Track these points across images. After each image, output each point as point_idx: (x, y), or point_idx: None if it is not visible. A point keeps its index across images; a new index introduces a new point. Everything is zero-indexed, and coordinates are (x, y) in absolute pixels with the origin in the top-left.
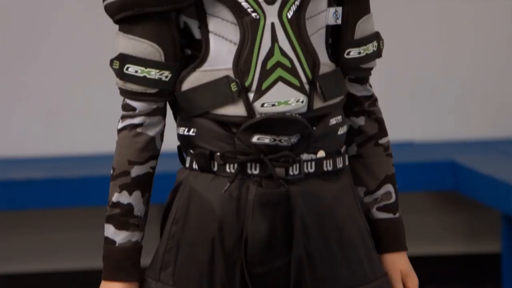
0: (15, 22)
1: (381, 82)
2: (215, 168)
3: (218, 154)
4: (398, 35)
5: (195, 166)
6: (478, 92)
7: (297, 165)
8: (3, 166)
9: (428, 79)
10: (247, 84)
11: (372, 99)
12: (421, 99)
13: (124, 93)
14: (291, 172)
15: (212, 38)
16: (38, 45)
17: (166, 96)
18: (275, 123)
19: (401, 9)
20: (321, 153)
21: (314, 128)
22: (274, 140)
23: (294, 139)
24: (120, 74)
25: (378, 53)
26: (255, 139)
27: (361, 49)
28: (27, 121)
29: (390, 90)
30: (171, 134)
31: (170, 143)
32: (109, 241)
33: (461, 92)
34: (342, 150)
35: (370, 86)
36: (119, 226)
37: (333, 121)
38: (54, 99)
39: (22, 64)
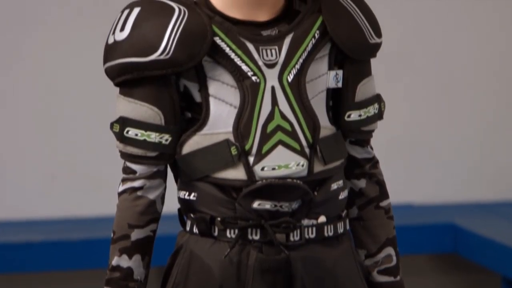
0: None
1: (379, 143)
2: (216, 233)
3: (219, 219)
4: (397, 98)
5: (195, 230)
6: (477, 155)
7: (298, 230)
8: (1, 228)
9: (426, 141)
10: (247, 147)
11: (373, 161)
12: (419, 161)
13: (125, 156)
14: (291, 238)
15: (212, 101)
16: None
17: (167, 159)
18: (276, 189)
19: (399, 73)
20: (322, 219)
21: (315, 193)
22: (275, 206)
23: (295, 205)
24: (120, 137)
25: (379, 115)
26: (255, 204)
27: (362, 111)
28: (25, 183)
29: (389, 152)
30: (172, 196)
31: (170, 205)
32: None
33: (460, 154)
34: (343, 214)
35: (371, 148)
36: None
37: (334, 185)
38: (53, 161)
39: (20, 127)
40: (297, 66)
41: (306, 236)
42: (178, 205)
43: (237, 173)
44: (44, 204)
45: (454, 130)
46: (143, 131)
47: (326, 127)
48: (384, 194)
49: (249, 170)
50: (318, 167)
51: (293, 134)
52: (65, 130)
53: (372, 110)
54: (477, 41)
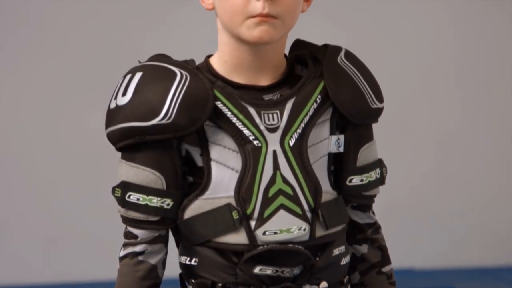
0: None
1: (380, 208)
2: None
3: (220, 284)
4: (398, 161)
5: None
6: (478, 220)
7: None
8: None
9: (427, 206)
10: (248, 212)
11: (375, 227)
12: (420, 225)
13: (126, 220)
14: None
15: (214, 166)
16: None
17: (168, 224)
18: (277, 255)
19: (398, 137)
20: (323, 284)
21: (317, 258)
22: (276, 271)
23: (296, 270)
24: (122, 202)
25: (381, 180)
26: (257, 270)
27: (364, 176)
28: (25, 248)
29: (389, 216)
30: (173, 261)
31: (172, 268)
32: None
33: (460, 219)
34: (345, 280)
35: (373, 213)
36: None
37: (336, 251)
38: (52, 225)
39: (20, 188)
40: (299, 131)
41: None
42: (179, 270)
43: (238, 238)
44: (44, 268)
45: (454, 195)
46: (144, 196)
47: (327, 192)
48: (386, 260)
49: (250, 234)
50: (319, 232)
51: (294, 199)
52: (65, 193)
53: (373, 175)
54: (472, 104)
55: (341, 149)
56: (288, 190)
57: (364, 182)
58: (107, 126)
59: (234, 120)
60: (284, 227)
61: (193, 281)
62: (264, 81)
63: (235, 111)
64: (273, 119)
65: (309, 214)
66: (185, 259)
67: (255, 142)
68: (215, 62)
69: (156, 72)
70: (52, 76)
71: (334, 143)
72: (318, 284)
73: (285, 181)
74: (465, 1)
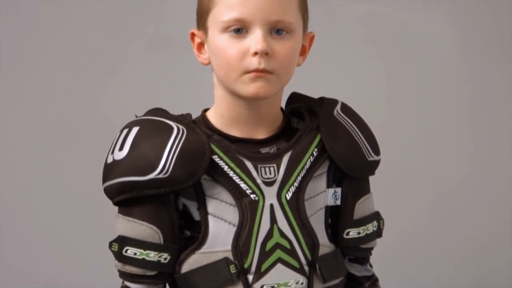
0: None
1: (378, 261)
2: None
3: None
4: (394, 214)
5: None
6: (473, 269)
7: None
8: None
9: (422, 257)
10: (246, 265)
11: (372, 279)
12: (416, 278)
13: (123, 275)
14: None
15: (211, 220)
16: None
17: (165, 278)
18: None
19: (395, 189)
20: None
21: None
22: None
23: None
24: (119, 257)
25: (378, 233)
26: None
27: (361, 229)
28: None
29: (386, 269)
30: None
31: None
32: None
33: (456, 268)
34: None
35: (371, 265)
36: None
37: None
38: (51, 281)
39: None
40: (296, 184)
41: None
42: None
43: None
44: None
45: (450, 246)
46: (142, 250)
47: (325, 245)
48: None
49: None
50: (317, 285)
51: (292, 252)
52: (61, 252)
53: (371, 227)
54: (470, 161)
55: (338, 202)
56: (285, 243)
57: (361, 235)
58: (104, 180)
59: (231, 174)
60: (282, 281)
61: None
62: (261, 135)
63: (232, 165)
64: (270, 173)
65: (306, 268)
66: None
67: (252, 196)
68: (211, 116)
69: (153, 127)
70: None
71: (331, 196)
72: None
73: (282, 234)
74: (478, 56)
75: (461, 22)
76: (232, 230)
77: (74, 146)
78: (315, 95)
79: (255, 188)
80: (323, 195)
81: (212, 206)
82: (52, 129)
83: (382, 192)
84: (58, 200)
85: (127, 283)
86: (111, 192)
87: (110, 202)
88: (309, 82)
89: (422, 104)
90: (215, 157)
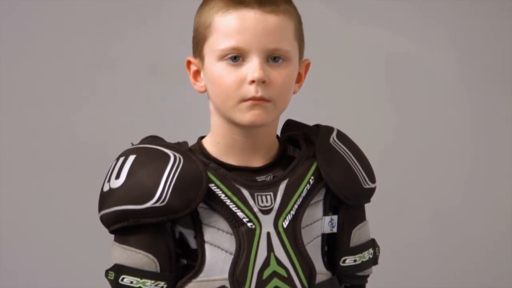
0: None
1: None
2: None
3: None
4: (392, 241)
5: None
6: None
7: None
8: None
9: (420, 278)
10: None
11: None
12: None
13: None
14: None
15: (208, 248)
16: None
17: None
18: None
19: (395, 212)
20: None
21: None
22: None
23: None
24: (116, 285)
25: (374, 260)
26: None
27: (357, 257)
28: None
29: None
30: None
31: None
32: None
33: None
34: None
35: None
36: None
37: None
38: None
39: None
40: (292, 212)
41: None
42: None
43: None
44: None
45: (445, 270)
46: (138, 279)
47: (322, 273)
48: None
49: None
50: None
51: (289, 280)
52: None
53: (367, 255)
54: (469, 187)
55: (335, 230)
56: (282, 272)
57: (357, 263)
58: (100, 209)
59: (228, 202)
60: None
61: None
62: (257, 163)
63: (229, 193)
64: (267, 201)
65: None
66: None
67: (249, 224)
68: (208, 144)
69: (149, 155)
70: None
71: (328, 223)
72: None
73: (279, 263)
74: (478, 82)
75: (461, 47)
76: (229, 259)
77: (68, 173)
78: (314, 122)
79: (252, 217)
80: (319, 223)
81: (208, 234)
82: (47, 156)
83: (380, 221)
84: (54, 224)
85: None
86: (107, 221)
87: (106, 230)
88: (310, 110)
89: (423, 130)
90: (212, 186)
